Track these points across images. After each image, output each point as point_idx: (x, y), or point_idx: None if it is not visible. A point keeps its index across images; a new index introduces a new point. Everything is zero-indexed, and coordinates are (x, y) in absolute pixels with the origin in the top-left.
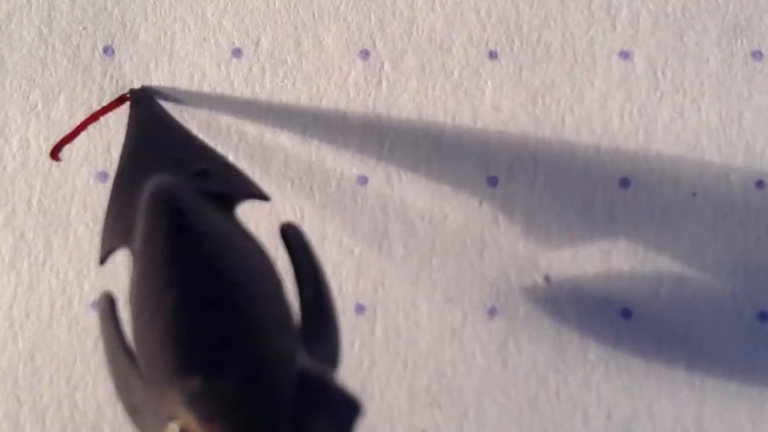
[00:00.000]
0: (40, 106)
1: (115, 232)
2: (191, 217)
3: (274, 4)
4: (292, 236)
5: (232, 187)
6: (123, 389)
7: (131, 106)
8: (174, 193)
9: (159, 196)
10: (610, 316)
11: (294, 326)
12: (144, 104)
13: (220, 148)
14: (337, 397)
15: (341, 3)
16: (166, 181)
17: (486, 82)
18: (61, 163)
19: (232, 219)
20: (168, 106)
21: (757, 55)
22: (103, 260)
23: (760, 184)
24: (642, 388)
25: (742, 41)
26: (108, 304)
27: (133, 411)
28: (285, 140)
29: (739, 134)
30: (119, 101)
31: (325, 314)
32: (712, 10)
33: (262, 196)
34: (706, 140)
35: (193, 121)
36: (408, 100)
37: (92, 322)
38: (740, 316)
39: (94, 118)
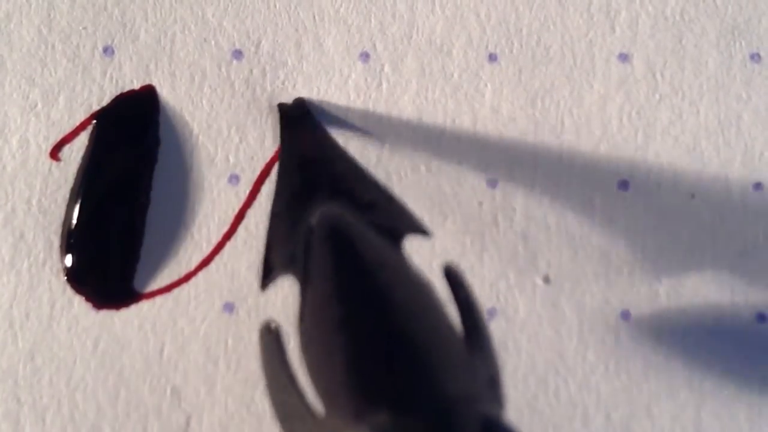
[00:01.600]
0: (39, 105)
1: (279, 259)
2: (364, 250)
3: (275, 6)
4: (455, 276)
5: (398, 221)
6: (287, 420)
7: (285, 126)
8: (346, 226)
9: (330, 227)
10: (609, 317)
11: (471, 365)
12: (301, 123)
13: None
14: None
15: (342, 5)
16: (337, 212)
17: (486, 85)
18: (61, 163)
19: (399, 253)
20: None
21: (755, 57)
22: (264, 286)
23: (758, 185)
24: (641, 388)
25: (740, 44)
26: (274, 335)
27: None
28: None
29: (738, 136)
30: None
31: (489, 356)
32: (710, 13)
33: (425, 232)
34: (705, 142)
35: None
36: (408, 102)
37: (92, 322)
38: (739, 317)
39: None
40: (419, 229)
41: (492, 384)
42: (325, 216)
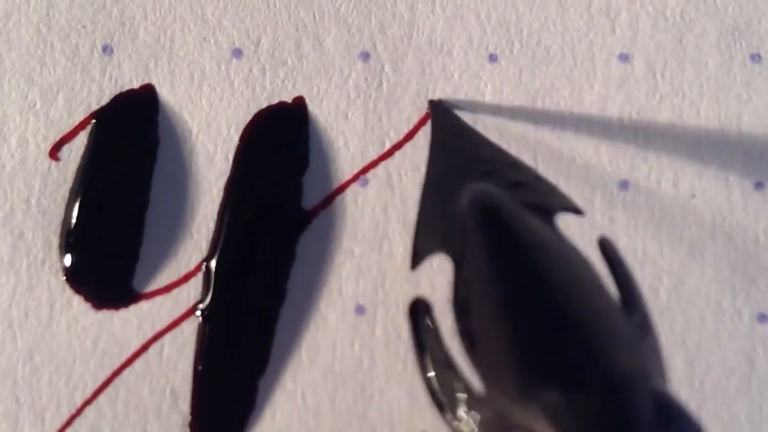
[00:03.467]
0: (38, 105)
1: (430, 239)
2: (519, 229)
3: (275, 5)
4: (611, 250)
5: (549, 198)
6: (445, 398)
7: (432, 118)
8: (497, 202)
9: (481, 204)
10: None
11: (636, 340)
12: (444, 116)
13: None
14: (690, 425)
15: (342, 5)
16: (487, 189)
17: (486, 85)
18: (60, 163)
19: (554, 230)
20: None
21: (755, 57)
22: (415, 265)
23: (759, 185)
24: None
25: (740, 44)
26: (426, 313)
27: (452, 419)
28: None
29: (738, 136)
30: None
31: (651, 329)
32: (711, 14)
33: (576, 210)
34: (705, 142)
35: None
36: (408, 102)
37: (91, 322)
38: (739, 317)
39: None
40: (570, 207)
41: (657, 357)
42: (477, 195)
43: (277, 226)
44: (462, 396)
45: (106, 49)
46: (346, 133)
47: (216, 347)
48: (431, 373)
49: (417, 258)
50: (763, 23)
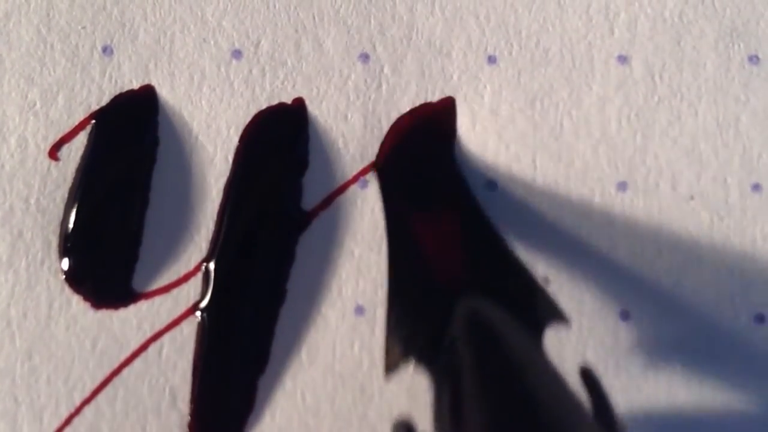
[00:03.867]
0: (38, 105)
1: (408, 348)
2: (510, 350)
3: (275, 6)
4: (593, 377)
5: (540, 312)
6: None
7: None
8: (491, 324)
9: (475, 324)
10: (608, 318)
11: None
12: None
13: None
14: None
15: (341, 6)
16: (481, 308)
17: (485, 86)
18: (60, 163)
19: (541, 348)
20: None
21: (753, 59)
22: (390, 372)
23: (756, 187)
24: (640, 388)
25: (739, 46)
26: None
27: None
28: None
29: (736, 138)
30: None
31: None
32: (709, 15)
33: (564, 320)
34: (703, 144)
35: None
36: (407, 103)
37: (90, 322)
38: (737, 318)
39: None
40: (560, 318)
41: None
42: (469, 311)
43: (277, 227)
44: None
45: (106, 50)
46: (346, 134)
47: (215, 347)
48: None
49: (392, 366)
50: (761, 25)
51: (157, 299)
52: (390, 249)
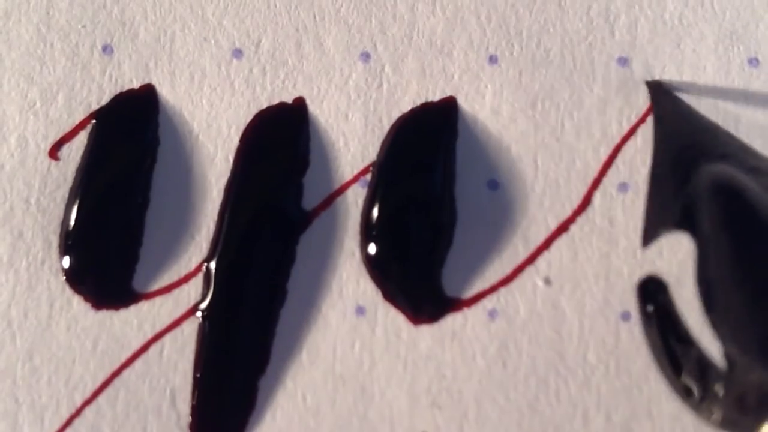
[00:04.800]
0: (38, 104)
1: (664, 217)
2: (762, 212)
3: (275, 6)
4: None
5: None
6: (685, 375)
7: (653, 101)
8: (741, 188)
9: (726, 189)
10: (609, 318)
11: None
12: (666, 99)
13: None
14: None
15: (342, 5)
16: (729, 173)
17: (486, 86)
18: (60, 162)
19: None
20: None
21: (753, 62)
22: (648, 242)
23: None
24: (641, 389)
25: (738, 48)
26: (662, 291)
27: (700, 402)
28: None
29: None
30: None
31: None
32: (709, 18)
33: None
34: None
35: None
36: (408, 102)
37: (91, 322)
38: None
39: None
40: None
41: None
42: (718, 177)
43: (278, 227)
44: (707, 370)
45: (106, 49)
46: (347, 134)
47: (216, 348)
48: (671, 353)
49: (650, 235)
50: (761, 27)
51: (158, 299)
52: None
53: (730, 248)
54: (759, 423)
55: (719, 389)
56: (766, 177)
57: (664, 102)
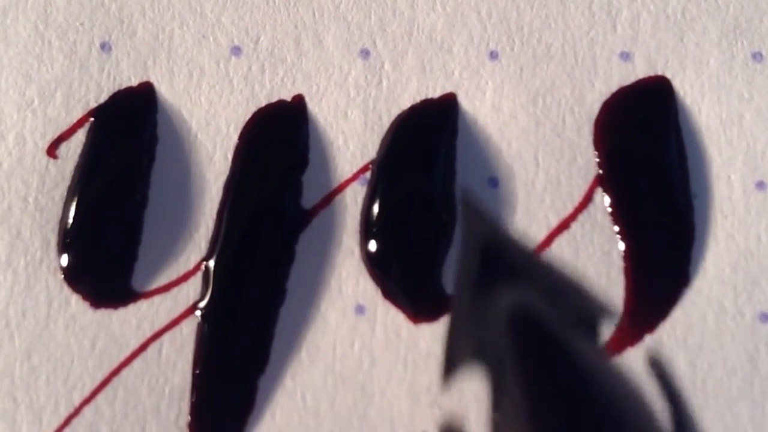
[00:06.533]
0: (36, 102)
1: (464, 350)
2: (565, 350)
3: (274, 3)
4: (661, 368)
5: (588, 309)
6: None
7: (463, 217)
8: (543, 321)
9: (527, 322)
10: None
11: None
12: (475, 215)
13: None
14: None
15: (341, 2)
16: (532, 304)
17: (486, 83)
18: (58, 161)
19: (596, 346)
20: None
21: (757, 56)
22: (447, 378)
23: (760, 185)
24: (642, 388)
25: (742, 43)
26: None
27: None
28: None
29: (740, 135)
30: None
31: None
32: (712, 12)
33: (612, 315)
34: (707, 141)
35: None
36: (408, 99)
37: (89, 321)
38: (741, 317)
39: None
40: (609, 314)
41: None
42: (520, 309)
43: (277, 226)
44: None
45: (105, 47)
46: (346, 132)
47: (215, 347)
48: None
49: (450, 370)
50: (765, 22)
51: (157, 298)
52: None
53: (528, 394)
54: None
55: None
56: (569, 301)
57: (475, 219)
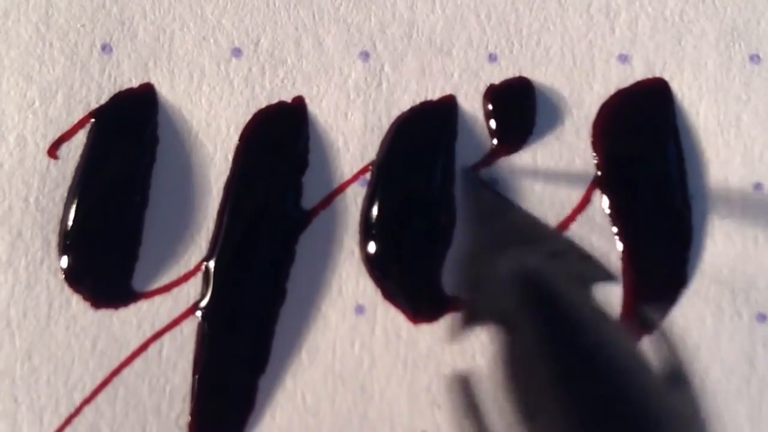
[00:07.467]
0: (37, 103)
1: (472, 309)
2: (567, 305)
3: (275, 4)
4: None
5: (587, 269)
6: None
7: (462, 187)
8: (546, 280)
9: (530, 281)
10: None
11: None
12: (474, 184)
13: None
14: None
15: (341, 4)
16: (534, 264)
17: (486, 85)
18: (59, 161)
19: (595, 302)
20: None
21: (755, 58)
22: (456, 338)
23: (758, 186)
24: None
25: (740, 45)
26: (468, 386)
27: None
28: None
29: (737, 137)
30: None
31: (696, 396)
32: (710, 14)
33: (612, 278)
34: (704, 143)
35: None
36: (408, 101)
37: (90, 321)
38: (739, 317)
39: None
40: (607, 276)
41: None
42: (522, 268)
43: (277, 226)
44: None
45: (105, 48)
46: (346, 133)
47: (215, 347)
48: None
49: (460, 328)
50: (762, 24)
51: (157, 299)
52: None
53: (534, 348)
54: None
55: None
56: (566, 259)
57: (473, 188)
